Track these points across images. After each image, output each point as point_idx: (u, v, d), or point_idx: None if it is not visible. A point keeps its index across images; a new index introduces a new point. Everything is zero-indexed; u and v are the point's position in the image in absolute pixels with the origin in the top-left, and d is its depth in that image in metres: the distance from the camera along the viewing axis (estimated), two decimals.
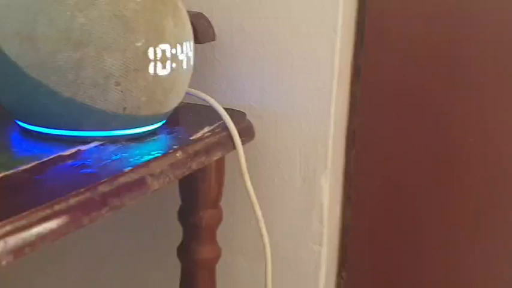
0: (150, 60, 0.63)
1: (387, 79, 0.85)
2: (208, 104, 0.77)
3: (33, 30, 0.60)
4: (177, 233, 0.81)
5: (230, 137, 0.74)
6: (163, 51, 0.64)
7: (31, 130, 0.65)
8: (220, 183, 0.80)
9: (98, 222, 0.84)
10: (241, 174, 0.76)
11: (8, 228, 0.46)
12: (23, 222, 0.48)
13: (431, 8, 0.81)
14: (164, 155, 0.65)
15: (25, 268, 0.99)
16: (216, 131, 0.73)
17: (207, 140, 0.71)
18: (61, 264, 0.99)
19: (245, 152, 0.76)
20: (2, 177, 0.54)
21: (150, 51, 0.63)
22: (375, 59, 0.84)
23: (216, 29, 0.83)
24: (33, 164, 0.58)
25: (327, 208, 0.86)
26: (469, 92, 0.82)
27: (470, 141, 0.83)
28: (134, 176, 0.59)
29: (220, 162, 0.78)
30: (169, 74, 0.65)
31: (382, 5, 0.82)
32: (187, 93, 0.72)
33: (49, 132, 0.64)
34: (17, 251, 0.46)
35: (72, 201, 0.52)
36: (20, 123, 0.66)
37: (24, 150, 0.63)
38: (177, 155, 0.66)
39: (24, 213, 0.48)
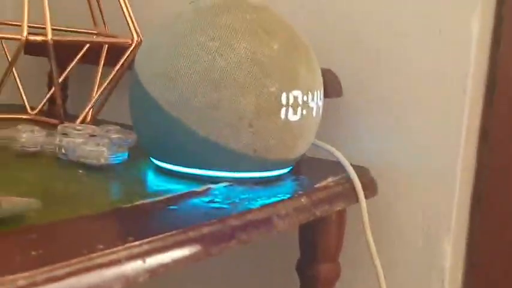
0: (282, 105, 0.65)
1: None
2: (332, 158, 0.77)
3: (176, 72, 0.64)
4: (295, 285, 0.81)
5: (353, 189, 0.74)
6: (296, 98, 0.66)
7: (165, 168, 0.68)
8: (340, 237, 0.79)
9: (218, 267, 0.85)
10: (362, 230, 0.75)
11: (146, 247, 0.48)
12: (160, 244, 0.50)
13: None
14: (290, 198, 0.66)
15: None
16: (340, 182, 0.74)
17: (330, 190, 0.72)
18: None
19: (367, 209, 0.75)
20: (139, 204, 0.57)
21: (283, 96, 0.65)
22: (504, 120, 0.82)
23: (342, 85, 0.85)
24: (167, 196, 0.61)
25: (449, 272, 0.83)
26: None
27: None
28: (261, 214, 0.61)
29: (342, 215, 0.78)
30: (299, 120, 0.66)
31: None
32: (313, 144, 0.74)
33: (182, 170, 0.67)
34: (153, 271, 0.48)
35: (205, 230, 0.54)
36: (154, 160, 0.69)
37: (158, 185, 0.66)
38: (302, 200, 0.67)
39: (161, 236, 0.50)
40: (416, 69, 0.82)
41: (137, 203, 0.57)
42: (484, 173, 0.84)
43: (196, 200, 0.61)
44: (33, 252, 0.44)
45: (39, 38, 0.70)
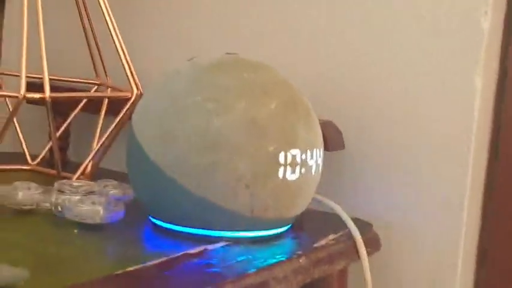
0: (280, 165, 0.64)
1: None
2: (334, 212, 0.76)
3: (171, 132, 0.63)
4: None
5: (355, 246, 0.73)
6: (294, 156, 0.65)
7: (162, 226, 0.67)
8: None
9: None
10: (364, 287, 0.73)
11: None
12: None
13: None
14: (288, 259, 0.64)
15: None
16: (341, 239, 0.72)
17: (331, 248, 0.70)
18: None
19: (369, 264, 0.73)
20: (133, 270, 0.56)
21: (281, 155, 0.64)
22: (509, 175, 0.81)
23: (345, 138, 0.84)
24: (162, 259, 0.59)
25: None
26: None
27: None
28: (258, 278, 0.59)
29: (343, 274, 0.76)
30: (298, 179, 0.65)
31: None
32: (313, 199, 0.72)
33: (179, 229, 0.66)
34: None
35: None
36: (152, 219, 0.68)
37: (154, 246, 0.65)
38: (300, 261, 0.65)
39: None
40: (420, 123, 0.81)
41: (130, 269, 0.56)
42: (489, 228, 0.82)
43: (191, 264, 0.60)
44: None
45: (37, 96, 0.70)
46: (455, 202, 0.79)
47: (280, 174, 0.64)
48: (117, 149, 0.82)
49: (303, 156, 0.65)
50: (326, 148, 0.77)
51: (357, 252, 0.73)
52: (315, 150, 0.67)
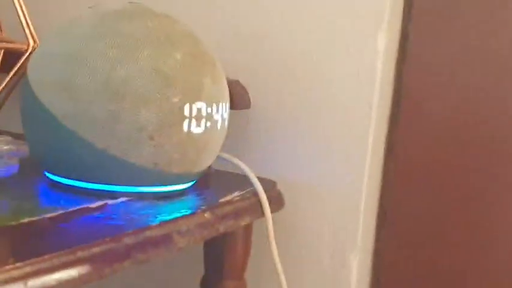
0: (185, 117, 0.62)
1: (421, 156, 0.83)
2: (239, 171, 0.76)
3: (72, 80, 0.60)
4: None
5: (259, 203, 0.73)
6: (199, 109, 0.63)
7: (60, 182, 0.64)
8: (246, 253, 0.77)
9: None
10: (268, 245, 0.73)
11: (28, 269, 0.45)
12: (44, 265, 0.46)
13: (468, 85, 0.80)
14: (192, 214, 0.63)
15: None
16: (246, 196, 0.72)
17: (236, 204, 0.70)
18: None
19: (273, 222, 0.73)
20: (26, 222, 0.53)
21: (186, 107, 0.62)
22: (409, 136, 0.83)
23: (251, 97, 0.83)
24: (58, 213, 0.57)
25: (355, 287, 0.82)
26: (505, 169, 0.80)
27: (510, 220, 0.80)
28: (161, 231, 0.58)
29: (248, 231, 0.76)
30: (203, 133, 0.64)
31: (419, 81, 0.82)
32: (218, 157, 0.71)
33: (77, 185, 0.63)
34: None
35: (96, 250, 0.50)
36: (48, 175, 0.65)
37: (50, 201, 0.62)
38: (205, 215, 0.64)
39: (45, 257, 0.46)
40: (324, 83, 0.81)
41: (24, 220, 0.53)
42: (390, 187, 0.84)
43: (90, 217, 0.58)
44: None
45: None
46: (357, 162, 0.81)
47: (185, 127, 0.63)
48: (12, 110, 0.77)
49: (209, 110, 0.64)
50: (232, 107, 0.76)
51: (261, 208, 0.72)
52: (220, 104, 0.66)
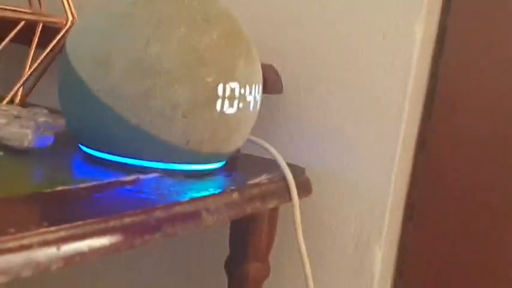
0: (218, 97, 0.63)
1: (453, 153, 0.82)
2: (268, 156, 0.76)
3: (108, 55, 0.61)
4: (222, 284, 0.79)
5: (287, 188, 0.73)
6: (233, 90, 0.64)
7: (93, 155, 0.65)
8: (271, 236, 0.78)
9: (143, 259, 0.82)
10: (294, 230, 0.74)
11: (62, 234, 0.46)
12: (77, 231, 0.47)
13: (506, 83, 0.80)
14: (221, 193, 0.64)
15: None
16: (274, 179, 0.72)
17: (263, 187, 0.70)
18: None
19: (300, 209, 0.74)
20: (61, 190, 0.54)
21: (220, 87, 0.63)
22: (442, 129, 0.82)
23: (284, 83, 0.83)
24: (92, 183, 0.58)
25: (378, 279, 0.82)
26: None
27: None
28: (190, 207, 0.59)
29: (274, 214, 0.77)
30: (235, 113, 0.65)
31: (455, 77, 0.81)
32: (248, 140, 0.72)
33: (111, 158, 0.64)
34: (68, 259, 0.45)
35: (127, 220, 0.51)
36: (83, 147, 0.66)
37: (84, 173, 0.63)
38: (234, 195, 0.65)
39: (79, 223, 0.48)
40: (358, 72, 0.81)
41: (58, 188, 0.54)
42: (419, 181, 0.84)
43: (123, 189, 0.59)
44: None
45: None
46: (387, 154, 0.80)
47: (218, 107, 0.63)
48: (48, 85, 0.78)
49: (242, 91, 0.65)
50: (264, 91, 0.76)
51: (289, 193, 0.73)
52: (254, 85, 0.67)
